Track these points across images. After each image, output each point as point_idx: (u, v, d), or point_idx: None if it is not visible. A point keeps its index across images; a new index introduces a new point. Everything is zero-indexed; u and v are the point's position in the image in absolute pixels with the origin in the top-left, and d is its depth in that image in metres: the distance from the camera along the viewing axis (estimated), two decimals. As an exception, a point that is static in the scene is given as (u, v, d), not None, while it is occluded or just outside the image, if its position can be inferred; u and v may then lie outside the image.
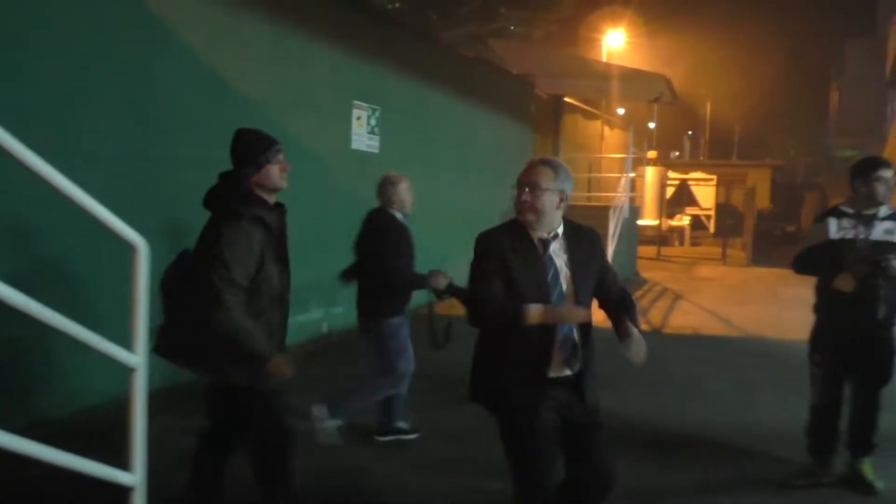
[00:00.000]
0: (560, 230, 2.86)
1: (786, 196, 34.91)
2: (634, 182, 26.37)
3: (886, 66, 23.82)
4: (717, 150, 46.21)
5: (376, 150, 8.89)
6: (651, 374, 6.41)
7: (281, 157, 3.08)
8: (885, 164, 4.06)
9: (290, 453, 3.19)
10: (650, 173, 22.60)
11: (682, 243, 24.79)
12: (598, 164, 20.03)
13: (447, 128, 11.04)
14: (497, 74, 13.59)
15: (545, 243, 2.81)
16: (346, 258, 4.79)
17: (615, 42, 23.37)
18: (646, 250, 21.87)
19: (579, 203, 15.77)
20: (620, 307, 2.96)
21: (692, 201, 26.57)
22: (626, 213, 14.09)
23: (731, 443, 4.93)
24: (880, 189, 3.98)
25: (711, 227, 26.52)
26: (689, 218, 25.61)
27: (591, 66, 15.39)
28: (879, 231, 3.98)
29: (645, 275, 15.52)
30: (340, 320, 7.85)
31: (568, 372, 2.82)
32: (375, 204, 4.74)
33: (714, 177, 27.63)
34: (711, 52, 42.20)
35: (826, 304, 4.20)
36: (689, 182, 27.13)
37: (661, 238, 24.32)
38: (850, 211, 4.09)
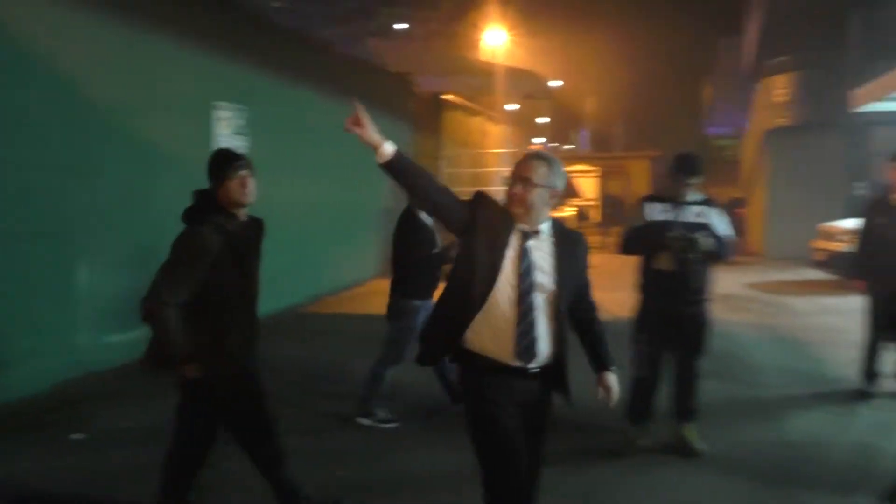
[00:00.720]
0: (546, 227, 2.83)
1: (665, 185, 36.54)
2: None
3: (741, 64, 25.37)
4: (603, 144, 47.91)
5: (243, 152, 8.81)
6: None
7: (242, 172, 3.28)
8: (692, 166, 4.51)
9: (263, 437, 3.40)
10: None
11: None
12: (482, 159, 20.51)
13: (322, 127, 11.02)
14: (374, 73, 13.73)
15: (525, 235, 2.77)
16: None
17: (497, 40, 23.82)
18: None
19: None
20: (592, 332, 3.01)
21: (574, 193, 27.53)
22: (504, 206, 14.50)
23: (569, 418, 5.22)
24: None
25: (597, 216, 27.56)
26: (574, 209, 26.52)
27: (468, 63, 15.75)
28: (691, 214, 4.44)
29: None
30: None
31: (523, 364, 2.77)
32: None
33: (597, 168, 28.70)
34: (595, 50, 43.70)
35: (648, 283, 4.59)
36: (573, 174, 28.03)
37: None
38: (667, 197, 4.56)
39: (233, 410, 3.34)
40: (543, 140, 45.54)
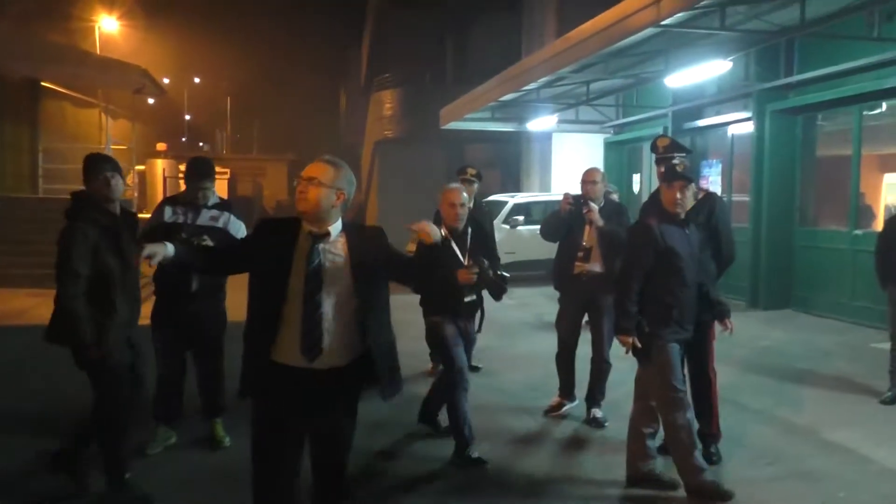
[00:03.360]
0: (337, 228, 2.88)
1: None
2: (145, 174, 25.75)
3: (361, 76, 27.13)
4: (244, 144, 47.51)
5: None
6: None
7: (107, 174, 3.86)
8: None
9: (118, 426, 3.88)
10: (159, 166, 22.35)
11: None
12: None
13: None
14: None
15: (315, 237, 2.82)
16: None
17: (110, 28, 22.31)
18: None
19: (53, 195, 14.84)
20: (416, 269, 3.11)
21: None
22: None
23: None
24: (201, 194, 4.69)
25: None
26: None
27: (65, 51, 14.47)
28: (206, 217, 4.65)
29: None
30: None
31: (309, 361, 2.79)
32: None
33: (227, 170, 28.40)
34: (232, 48, 43.04)
35: (161, 286, 4.75)
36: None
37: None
38: (184, 200, 4.71)
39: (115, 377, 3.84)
40: (183, 139, 43.87)
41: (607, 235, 5.22)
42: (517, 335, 8.74)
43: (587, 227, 5.31)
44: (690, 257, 4.09)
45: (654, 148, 4.80)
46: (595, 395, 5.39)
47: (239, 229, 4.75)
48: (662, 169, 4.56)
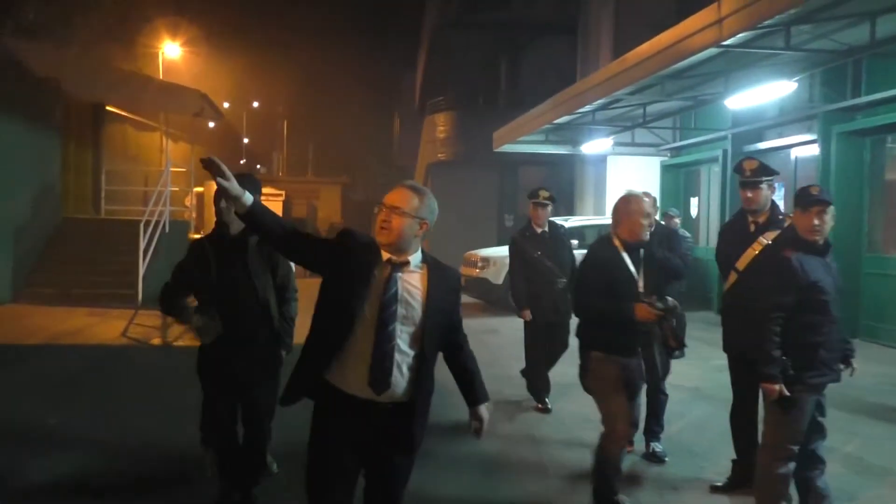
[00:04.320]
0: (416, 259, 2.75)
1: (358, 211, 37.95)
2: (203, 196, 26.28)
3: (415, 98, 27.34)
4: (299, 167, 48.27)
5: None
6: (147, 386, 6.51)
7: None
8: None
9: None
10: (214, 188, 22.76)
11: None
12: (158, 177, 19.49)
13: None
14: (3, 75, 12.42)
15: (393, 266, 2.69)
16: None
17: (173, 54, 22.97)
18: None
19: (115, 216, 15.23)
20: (466, 368, 2.94)
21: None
22: (167, 227, 13.93)
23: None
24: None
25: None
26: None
27: (130, 77, 14.90)
28: None
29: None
30: None
31: (376, 395, 2.68)
32: None
33: (282, 192, 28.79)
34: (288, 73, 43.94)
35: None
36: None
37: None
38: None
39: None
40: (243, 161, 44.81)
41: (659, 264, 4.94)
42: (566, 362, 8.49)
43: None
44: (834, 289, 3.66)
45: (739, 170, 4.40)
46: (653, 427, 5.14)
47: None
48: (749, 194, 4.28)
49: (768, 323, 3.59)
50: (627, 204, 4.08)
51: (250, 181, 4.21)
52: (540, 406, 6.37)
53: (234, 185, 2.65)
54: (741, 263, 4.32)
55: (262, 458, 4.26)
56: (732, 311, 4.44)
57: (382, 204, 2.73)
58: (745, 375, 4.29)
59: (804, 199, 3.70)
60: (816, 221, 3.61)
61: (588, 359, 4.09)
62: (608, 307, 3.92)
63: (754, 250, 4.26)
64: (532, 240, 6.42)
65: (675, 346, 4.14)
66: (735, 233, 4.52)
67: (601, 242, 4.22)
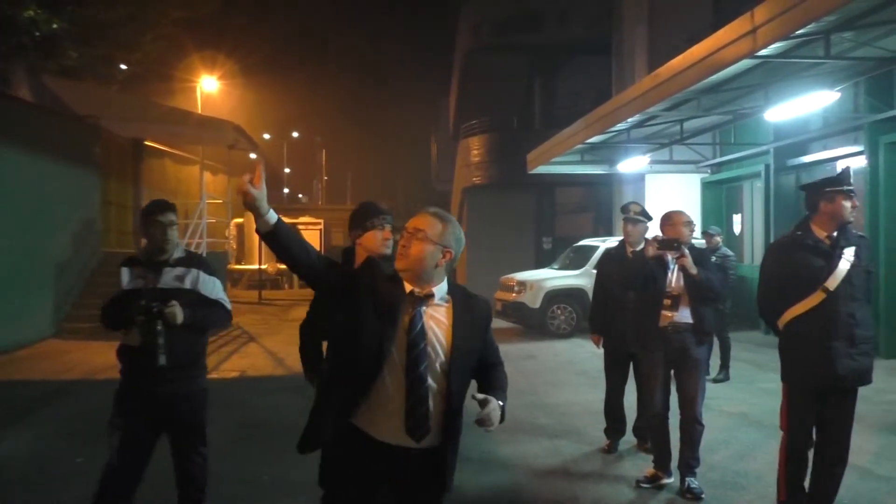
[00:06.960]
0: (442, 290, 2.56)
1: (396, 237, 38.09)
2: (243, 227, 26.60)
3: (450, 123, 27.34)
4: (338, 195, 48.77)
5: None
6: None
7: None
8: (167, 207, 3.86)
9: None
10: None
11: (291, 286, 25.48)
12: (197, 209, 19.73)
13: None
14: (45, 114, 12.71)
15: (416, 299, 2.50)
16: None
17: (210, 88, 23.38)
18: (247, 294, 22.12)
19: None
20: (493, 374, 2.70)
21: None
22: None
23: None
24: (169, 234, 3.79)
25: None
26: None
27: (162, 111, 15.14)
28: (169, 278, 3.75)
29: (236, 319, 15.53)
30: None
31: (416, 441, 2.47)
32: None
33: (321, 221, 29.01)
34: (326, 103, 44.51)
35: (125, 362, 3.84)
36: (298, 226, 28.15)
37: (272, 282, 24.94)
38: (142, 259, 3.84)
39: None
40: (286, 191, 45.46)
41: (700, 284, 4.71)
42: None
43: (672, 274, 4.80)
44: None
45: (842, 180, 3.97)
46: (688, 461, 4.72)
47: (213, 288, 3.86)
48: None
49: None
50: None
51: (375, 211, 3.68)
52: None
53: (262, 202, 2.41)
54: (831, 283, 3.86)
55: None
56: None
57: (403, 228, 2.56)
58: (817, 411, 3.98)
59: None
60: None
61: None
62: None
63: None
64: (622, 261, 5.66)
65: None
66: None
67: None
